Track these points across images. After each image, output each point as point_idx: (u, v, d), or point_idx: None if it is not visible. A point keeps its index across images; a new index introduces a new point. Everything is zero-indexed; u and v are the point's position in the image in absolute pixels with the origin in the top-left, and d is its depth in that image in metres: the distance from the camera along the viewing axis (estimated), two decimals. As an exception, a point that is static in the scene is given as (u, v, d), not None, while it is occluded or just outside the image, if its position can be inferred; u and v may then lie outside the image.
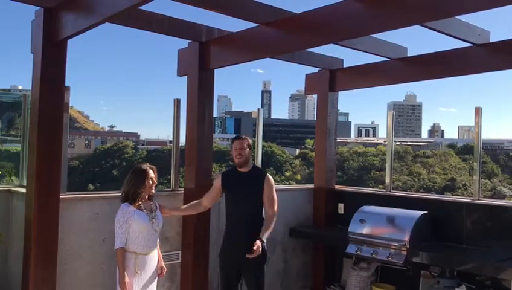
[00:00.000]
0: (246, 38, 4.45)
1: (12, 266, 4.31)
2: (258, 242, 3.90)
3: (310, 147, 79.66)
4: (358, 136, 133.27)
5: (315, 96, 6.13)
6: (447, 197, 6.57)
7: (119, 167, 69.57)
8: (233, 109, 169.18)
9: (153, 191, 3.99)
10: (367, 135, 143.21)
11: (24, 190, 4.32)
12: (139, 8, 3.66)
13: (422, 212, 4.82)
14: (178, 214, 4.57)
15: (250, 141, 4.34)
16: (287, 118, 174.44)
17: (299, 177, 64.04)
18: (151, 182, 3.92)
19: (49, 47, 3.78)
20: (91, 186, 57.65)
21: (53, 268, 3.81)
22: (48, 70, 3.78)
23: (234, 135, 4.52)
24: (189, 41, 4.76)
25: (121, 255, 3.76)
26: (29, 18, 4.07)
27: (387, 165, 5.83)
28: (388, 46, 5.11)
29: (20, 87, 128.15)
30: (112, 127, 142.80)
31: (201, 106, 4.75)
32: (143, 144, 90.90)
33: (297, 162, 70.87)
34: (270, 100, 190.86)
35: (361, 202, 5.38)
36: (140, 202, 3.86)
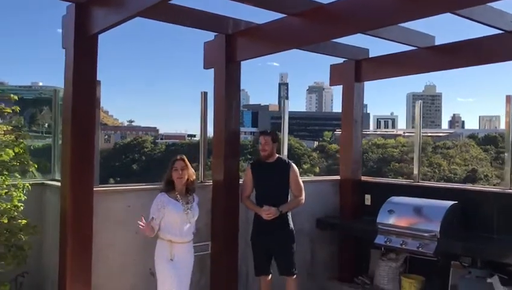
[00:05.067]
0: (272, 29, 4.44)
1: (46, 256, 4.43)
2: (271, 208, 4.38)
3: (328, 139, 79.30)
4: (377, 128, 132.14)
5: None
6: (477, 187, 6.46)
7: (138, 162, 70.26)
8: (251, 103, 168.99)
9: (183, 182, 4.05)
10: (386, 126, 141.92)
11: (56, 183, 4.43)
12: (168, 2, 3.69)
13: (453, 202, 4.77)
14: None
15: (276, 135, 4.69)
16: (305, 110, 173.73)
17: (317, 169, 63.76)
18: (177, 172, 4.02)
19: (81, 42, 3.83)
20: (112, 181, 58.33)
21: (88, 259, 3.89)
22: (80, 65, 3.84)
23: (258, 129, 4.80)
24: (216, 33, 4.77)
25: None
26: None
27: (415, 156, 5.75)
28: (415, 34, 5.05)
29: (40, 84, 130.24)
30: (130, 121, 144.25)
31: (229, 98, 4.77)
32: (162, 139, 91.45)
33: (315, 154, 70.56)
34: (287, 93, 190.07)
35: (388, 193, 5.34)
36: (177, 192, 3.97)
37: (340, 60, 5.86)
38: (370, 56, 5.73)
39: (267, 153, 4.60)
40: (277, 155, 4.72)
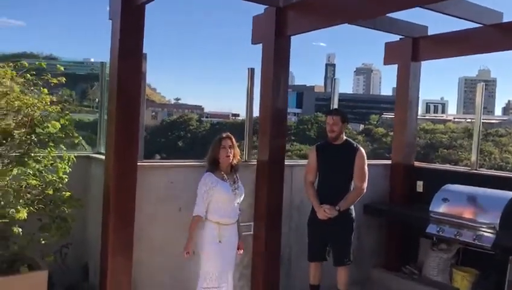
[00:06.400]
0: (326, 2, 4.19)
1: (90, 229, 4.45)
2: (328, 207, 4.17)
3: (375, 123, 77.58)
4: (426, 112, 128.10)
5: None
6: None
7: (184, 139, 71.47)
8: (295, 83, 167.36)
9: (230, 160, 3.93)
10: (435, 111, 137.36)
11: (101, 157, 4.40)
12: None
13: (515, 193, 4.43)
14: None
15: (345, 114, 4.42)
16: (352, 92, 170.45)
17: (362, 153, 62.61)
18: (225, 150, 3.88)
19: (128, 12, 3.72)
20: (158, 156, 59.62)
21: (130, 234, 3.84)
22: (126, 35, 3.73)
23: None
24: (266, 6, 4.56)
25: (195, 223, 3.83)
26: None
27: (474, 142, 5.37)
28: (480, 10, 4.66)
29: (92, 60, 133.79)
30: (177, 99, 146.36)
31: (277, 74, 4.55)
32: (207, 117, 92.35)
33: (360, 138, 69.05)
34: (334, 74, 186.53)
35: (443, 180, 5.03)
36: (223, 172, 3.85)
37: (396, 38, 5.54)
38: (429, 34, 5.37)
39: (335, 134, 4.34)
40: (345, 137, 4.44)
